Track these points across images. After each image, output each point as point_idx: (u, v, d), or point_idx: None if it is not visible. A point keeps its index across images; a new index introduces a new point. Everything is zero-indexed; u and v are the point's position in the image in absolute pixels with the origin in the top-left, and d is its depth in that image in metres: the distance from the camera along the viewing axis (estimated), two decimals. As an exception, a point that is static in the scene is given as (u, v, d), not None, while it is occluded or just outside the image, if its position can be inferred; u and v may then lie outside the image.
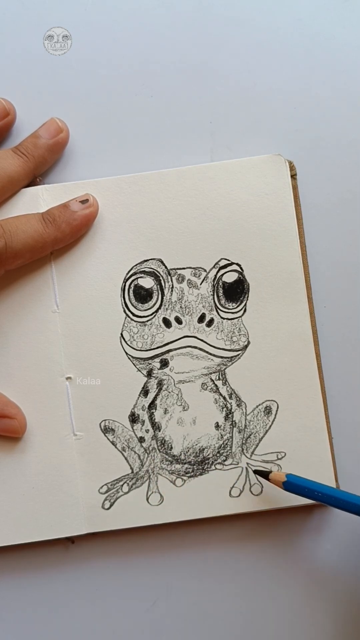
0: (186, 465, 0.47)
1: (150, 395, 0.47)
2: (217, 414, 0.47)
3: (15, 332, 0.47)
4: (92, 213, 0.47)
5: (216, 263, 0.47)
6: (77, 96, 0.49)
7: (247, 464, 0.47)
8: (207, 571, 0.48)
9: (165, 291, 0.47)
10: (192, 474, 0.47)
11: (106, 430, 0.47)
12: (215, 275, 0.47)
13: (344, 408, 0.48)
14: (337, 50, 0.49)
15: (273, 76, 0.49)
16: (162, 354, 0.47)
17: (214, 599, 0.48)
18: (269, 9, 0.49)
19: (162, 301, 0.47)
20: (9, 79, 0.49)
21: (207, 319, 0.47)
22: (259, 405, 0.47)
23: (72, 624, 0.48)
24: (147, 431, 0.47)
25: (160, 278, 0.47)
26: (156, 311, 0.47)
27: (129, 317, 0.47)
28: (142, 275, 0.47)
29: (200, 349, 0.47)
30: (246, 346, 0.47)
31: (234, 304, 0.47)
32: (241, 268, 0.47)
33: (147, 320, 0.47)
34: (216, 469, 0.47)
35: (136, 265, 0.47)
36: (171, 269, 0.47)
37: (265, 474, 0.45)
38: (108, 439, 0.47)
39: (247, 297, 0.47)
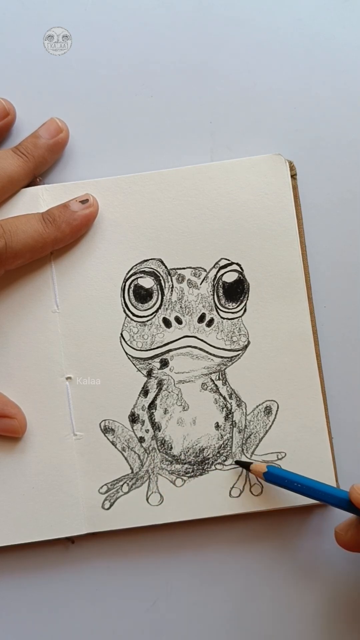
0: (186, 466, 0.47)
1: (150, 395, 0.47)
2: (217, 414, 0.47)
3: (15, 332, 0.47)
4: (92, 213, 0.47)
5: (216, 263, 0.47)
6: (77, 96, 0.49)
7: (247, 464, 0.47)
8: (207, 571, 0.48)
9: (165, 291, 0.47)
10: (192, 474, 0.47)
11: (106, 430, 0.47)
12: (215, 275, 0.47)
13: (344, 408, 0.48)
14: (337, 50, 0.49)
15: (273, 76, 0.49)
16: (162, 354, 0.47)
17: (214, 599, 0.48)
18: (269, 9, 0.49)
19: (162, 301, 0.47)
20: (9, 79, 0.49)
21: (207, 318, 0.47)
22: (259, 405, 0.47)
23: (72, 624, 0.48)
24: (147, 431, 0.47)
25: (160, 278, 0.47)
26: (156, 311, 0.47)
27: (129, 317, 0.47)
28: (142, 275, 0.47)
29: (200, 349, 0.47)
30: (246, 346, 0.47)
31: (234, 304, 0.47)
32: (241, 268, 0.47)
33: (147, 320, 0.47)
34: (216, 469, 0.47)
35: (136, 265, 0.47)
36: (171, 269, 0.47)
37: (246, 465, 0.46)
38: (108, 439, 0.47)
39: (247, 297, 0.47)
